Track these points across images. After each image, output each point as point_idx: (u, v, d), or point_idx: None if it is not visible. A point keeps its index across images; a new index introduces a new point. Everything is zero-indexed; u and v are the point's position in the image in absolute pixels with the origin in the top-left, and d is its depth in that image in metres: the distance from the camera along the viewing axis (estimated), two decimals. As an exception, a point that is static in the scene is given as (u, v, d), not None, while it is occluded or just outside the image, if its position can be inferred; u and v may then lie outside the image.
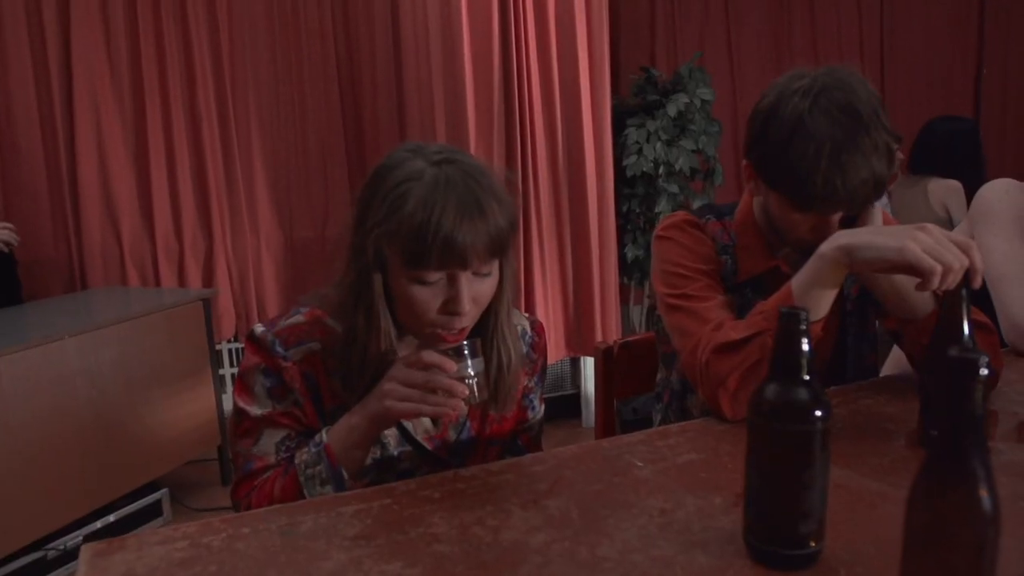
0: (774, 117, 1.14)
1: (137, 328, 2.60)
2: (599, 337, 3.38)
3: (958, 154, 3.23)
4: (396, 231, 0.96)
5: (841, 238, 1.06)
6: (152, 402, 2.65)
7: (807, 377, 0.73)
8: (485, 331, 1.10)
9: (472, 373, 0.98)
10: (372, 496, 0.93)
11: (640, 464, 1.00)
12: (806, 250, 1.27)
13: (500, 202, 1.00)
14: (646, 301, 3.82)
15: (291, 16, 3.29)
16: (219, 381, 2.99)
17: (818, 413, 0.72)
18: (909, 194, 3.21)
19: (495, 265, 1.04)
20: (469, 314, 1.01)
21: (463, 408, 0.99)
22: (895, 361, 1.60)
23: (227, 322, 3.30)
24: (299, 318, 1.10)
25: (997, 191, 1.64)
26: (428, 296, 0.99)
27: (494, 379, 1.10)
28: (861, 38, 4.21)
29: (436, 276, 0.99)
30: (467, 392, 0.96)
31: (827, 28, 4.15)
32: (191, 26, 3.12)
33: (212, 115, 3.22)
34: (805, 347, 0.72)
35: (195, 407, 2.84)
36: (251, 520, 0.87)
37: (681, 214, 1.38)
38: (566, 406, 3.70)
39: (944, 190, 3.35)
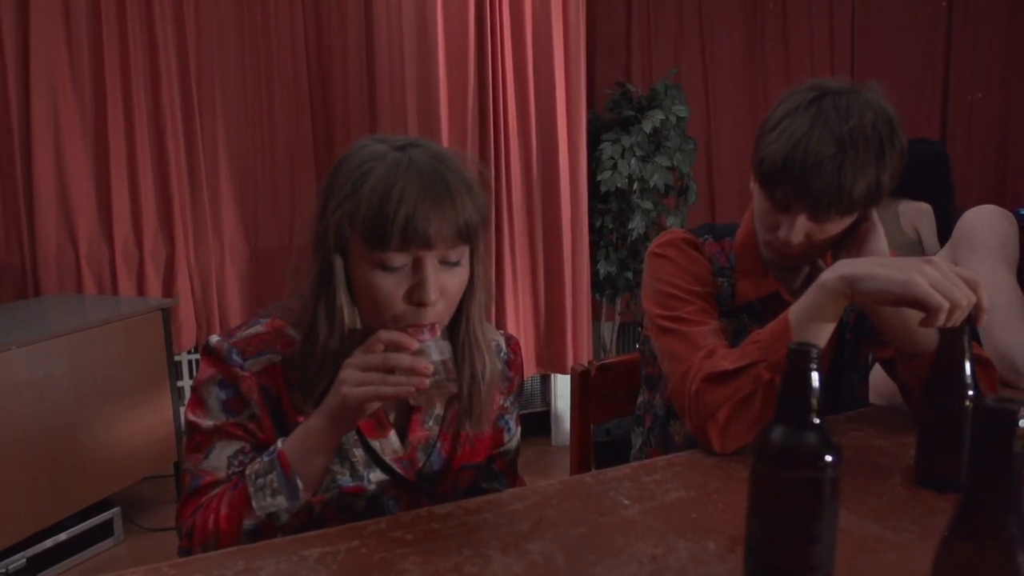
0: (782, 103, 1.14)
1: (91, 338, 2.48)
2: (571, 354, 3.33)
3: (929, 177, 3.26)
4: (356, 210, 0.90)
5: (844, 268, 1.01)
6: (105, 416, 2.53)
7: (817, 420, 0.67)
8: (456, 336, 1.02)
9: (437, 355, 0.89)
10: (338, 538, 0.85)
11: (627, 502, 0.94)
12: (782, 263, 1.23)
13: (469, 188, 0.94)
14: (618, 318, 3.78)
15: (261, 19, 3.20)
16: (177, 393, 2.87)
17: (829, 459, 0.66)
18: (880, 216, 3.21)
19: (465, 255, 0.97)
20: (437, 307, 0.94)
21: (427, 386, 0.87)
22: (873, 387, 1.56)
23: (187, 332, 3.18)
24: (259, 328, 1.03)
25: (981, 217, 1.62)
26: (392, 284, 0.92)
27: (467, 391, 1.02)
28: (832, 58, 4.23)
29: (400, 261, 0.91)
30: (431, 369, 0.87)
31: (800, 49, 4.17)
32: (156, 25, 3.00)
33: (176, 118, 3.11)
34: (815, 387, 0.67)
35: (151, 421, 2.72)
36: (204, 566, 0.80)
37: (678, 232, 1.33)
38: (536, 424, 3.64)
39: (915, 212, 3.38)
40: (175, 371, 2.87)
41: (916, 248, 3.38)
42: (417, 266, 0.92)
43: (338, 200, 0.93)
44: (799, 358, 0.67)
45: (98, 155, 3.03)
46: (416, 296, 0.92)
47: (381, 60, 3.13)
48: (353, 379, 0.88)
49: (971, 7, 4.31)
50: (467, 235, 0.94)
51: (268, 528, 0.92)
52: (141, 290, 3.12)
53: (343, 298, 0.95)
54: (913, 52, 4.35)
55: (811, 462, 0.66)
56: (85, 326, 2.47)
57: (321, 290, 0.96)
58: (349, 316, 0.96)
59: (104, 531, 2.57)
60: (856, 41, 4.28)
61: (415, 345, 0.89)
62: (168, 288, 3.16)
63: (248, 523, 0.91)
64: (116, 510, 2.62)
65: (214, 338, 1.01)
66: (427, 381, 0.86)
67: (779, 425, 0.68)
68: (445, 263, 0.94)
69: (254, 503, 0.91)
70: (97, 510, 2.56)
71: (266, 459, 0.94)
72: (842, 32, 4.23)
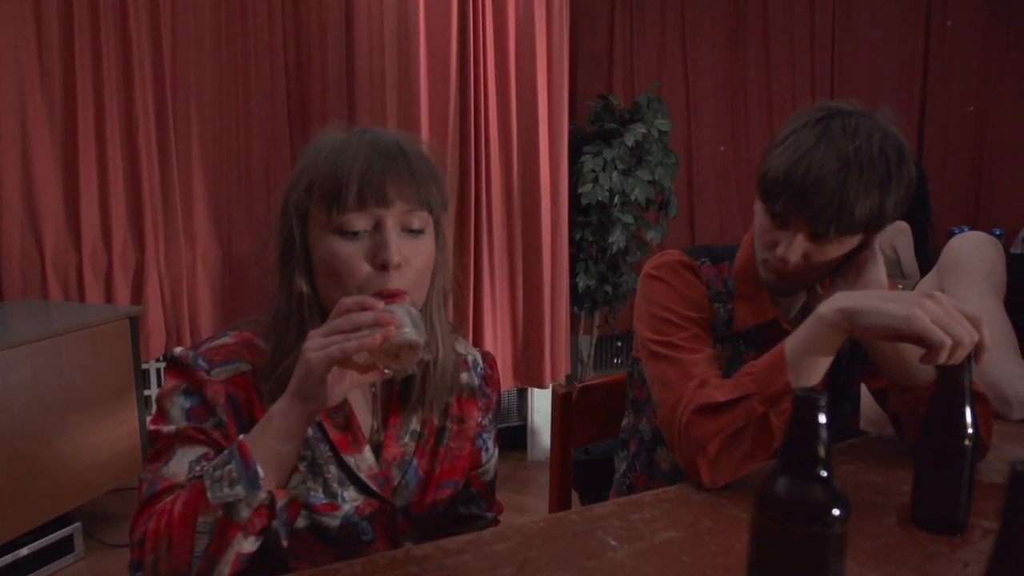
0: (791, 121, 1.13)
1: (55, 347, 2.40)
2: (548, 368, 3.29)
3: (907, 196, 3.26)
4: (313, 180, 0.92)
5: (843, 301, 0.98)
6: (69, 427, 2.44)
7: (824, 473, 0.63)
8: None
9: (406, 317, 0.83)
10: (310, 582, 0.80)
11: (614, 543, 0.90)
12: (779, 284, 1.20)
13: (426, 160, 0.96)
14: (596, 331, 3.75)
15: (239, 20, 3.13)
16: (144, 403, 2.78)
17: (836, 513, 0.63)
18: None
19: (428, 226, 0.96)
20: (403, 274, 0.91)
21: (393, 335, 0.81)
22: (862, 413, 1.54)
23: (156, 340, 3.09)
24: (226, 340, 0.99)
25: (969, 245, 1.60)
26: (352, 250, 0.91)
27: (420, 375, 1.01)
28: (813, 72, 4.25)
29: (360, 223, 0.91)
30: (396, 320, 0.82)
31: (780, 65, 4.19)
32: (130, 22, 2.91)
33: (149, 119, 3.02)
34: (824, 436, 0.63)
35: (117, 433, 2.63)
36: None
37: (675, 253, 1.30)
38: (513, 438, 3.59)
39: (892, 230, 3.39)
40: (142, 380, 2.79)
41: (894, 266, 3.39)
42: (378, 228, 0.92)
43: (296, 177, 0.95)
44: (806, 405, 0.63)
45: (66, 156, 2.94)
46: (380, 257, 0.90)
47: (361, 66, 3.08)
48: (316, 345, 0.82)
49: (948, 25, 4.36)
50: (427, 202, 0.94)
51: (226, 527, 0.82)
52: (109, 297, 3.02)
53: (300, 276, 0.94)
54: (891, 72, 4.38)
55: (818, 517, 0.62)
56: (49, 334, 2.39)
57: (283, 268, 0.96)
58: (308, 292, 0.95)
59: (64, 547, 2.48)
60: (836, 57, 4.31)
61: (380, 305, 0.84)
62: (137, 295, 3.07)
63: (203, 519, 0.82)
64: (77, 525, 2.53)
65: (178, 349, 0.97)
66: (393, 330, 0.81)
67: (784, 475, 0.64)
68: (407, 230, 0.93)
69: (209, 494, 0.82)
70: (57, 525, 2.47)
71: (226, 452, 0.87)
72: (822, 47, 4.26)
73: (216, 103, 3.15)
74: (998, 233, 3.61)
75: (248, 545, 0.84)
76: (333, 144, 0.94)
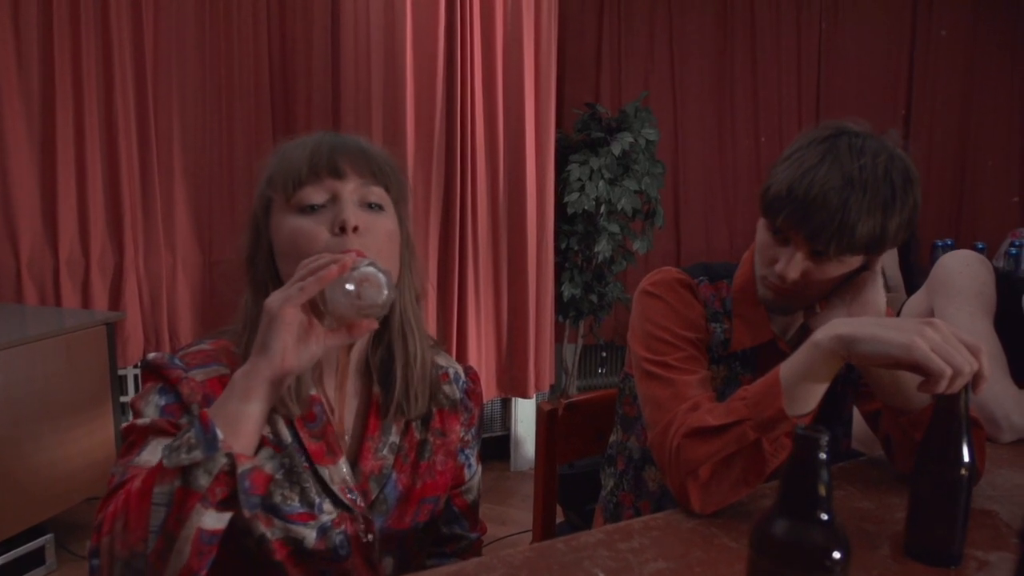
0: (798, 138, 1.12)
1: (30, 353, 2.34)
2: (532, 377, 3.26)
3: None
4: (272, 173, 0.97)
5: (840, 327, 0.96)
6: (42, 436, 2.39)
7: (825, 516, 0.61)
8: (390, 320, 1.01)
9: (367, 264, 0.84)
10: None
11: (602, 575, 0.87)
12: (777, 301, 1.18)
13: (382, 153, 1.00)
14: (580, 341, 3.73)
15: (223, 20, 3.08)
16: (120, 411, 2.73)
17: (837, 557, 0.60)
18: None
19: (387, 205, 0.98)
20: (363, 239, 0.92)
21: (350, 266, 0.82)
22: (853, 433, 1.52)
23: (134, 346, 3.03)
24: (203, 346, 0.98)
25: (959, 264, 1.59)
26: (312, 223, 0.92)
27: (402, 372, 1.00)
28: (799, 86, 4.26)
29: (316, 197, 0.93)
30: (355, 257, 0.83)
31: (767, 75, 4.19)
32: (111, 21, 2.85)
33: (130, 120, 2.96)
34: (825, 477, 0.61)
35: (92, 441, 2.58)
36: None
37: (672, 271, 1.28)
38: (496, 448, 3.56)
39: (879, 245, 3.37)
40: (119, 387, 2.74)
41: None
42: (335, 199, 0.94)
43: (261, 177, 0.99)
44: (807, 445, 0.60)
45: (44, 157, 2.88)
46: (338, 221, 0.91)
47: (347, 73, 3.04)
48: (278, 295, 0.81)
49: (933, 38, 4.38)
50: (383, 181, 0.97)
51: (184, 497, 0.76)
52: (86, 301, 2.97)
53: (266, 267, 0.97)
54: (876, 83, 4.40)
55: (818, 561, 0.60)
56: (23, 340, 2.33)
57: (250, 263, 0.98)
58: (274, 283, 0.95)
59: (35, 559, 2.42)
60: (822, 69, 4.32)
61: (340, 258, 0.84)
62: (115, 300, 3.02)
63: (160, 490, 0.75)
64: (49, 537, 2.47)
65: (152, 354, 0.95)
66: (350, 262, 0.81)
67: (783, 517, 0.62)
68: (366, 204, 0.95)
69: (166, 461, 0.76)
70: (28, 536, 2.41)
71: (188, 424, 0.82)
72: (808, 58, 4.27)
73: (199, 108, 3.10)
74: (980, 247, 3.62)
75: (210, 520, 0.77)
76: (290, 143, 0.99)
